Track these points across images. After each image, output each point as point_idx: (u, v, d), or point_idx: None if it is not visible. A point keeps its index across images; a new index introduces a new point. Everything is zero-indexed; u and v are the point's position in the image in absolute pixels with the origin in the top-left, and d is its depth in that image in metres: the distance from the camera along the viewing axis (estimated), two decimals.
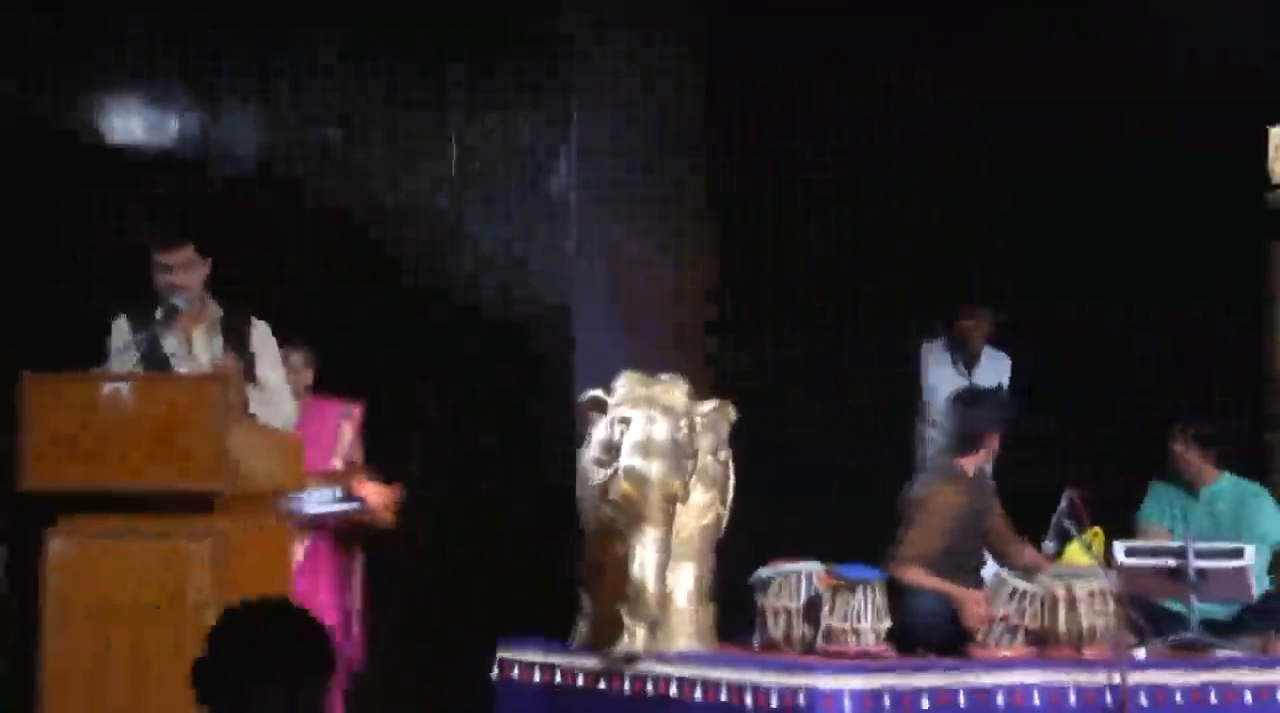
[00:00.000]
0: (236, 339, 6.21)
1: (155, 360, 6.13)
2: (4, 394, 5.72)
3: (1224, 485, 7.43)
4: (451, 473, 7.79)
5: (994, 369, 8.57)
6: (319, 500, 6.63)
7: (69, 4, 7.95)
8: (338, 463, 6.90)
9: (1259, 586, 7.01)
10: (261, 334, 6.28)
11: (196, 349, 6.20)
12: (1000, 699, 6.38)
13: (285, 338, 6.70)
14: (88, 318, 6.36)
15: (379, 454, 7.00)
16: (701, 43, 8.48)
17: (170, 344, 6.16)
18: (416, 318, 8.02)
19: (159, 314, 6.15)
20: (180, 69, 8.17)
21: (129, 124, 8.29)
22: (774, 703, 6.24)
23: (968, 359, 8.59)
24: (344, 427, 6.91)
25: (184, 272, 6.11)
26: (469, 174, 8.31)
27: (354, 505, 6.70)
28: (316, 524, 6.70)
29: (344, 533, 6.84)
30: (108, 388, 5.75)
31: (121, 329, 6.18)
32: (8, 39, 7.87)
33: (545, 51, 8.24)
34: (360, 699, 6.90)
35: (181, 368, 6.15)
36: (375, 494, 6.72)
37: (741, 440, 7.03)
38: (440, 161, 8.27)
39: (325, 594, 6.67)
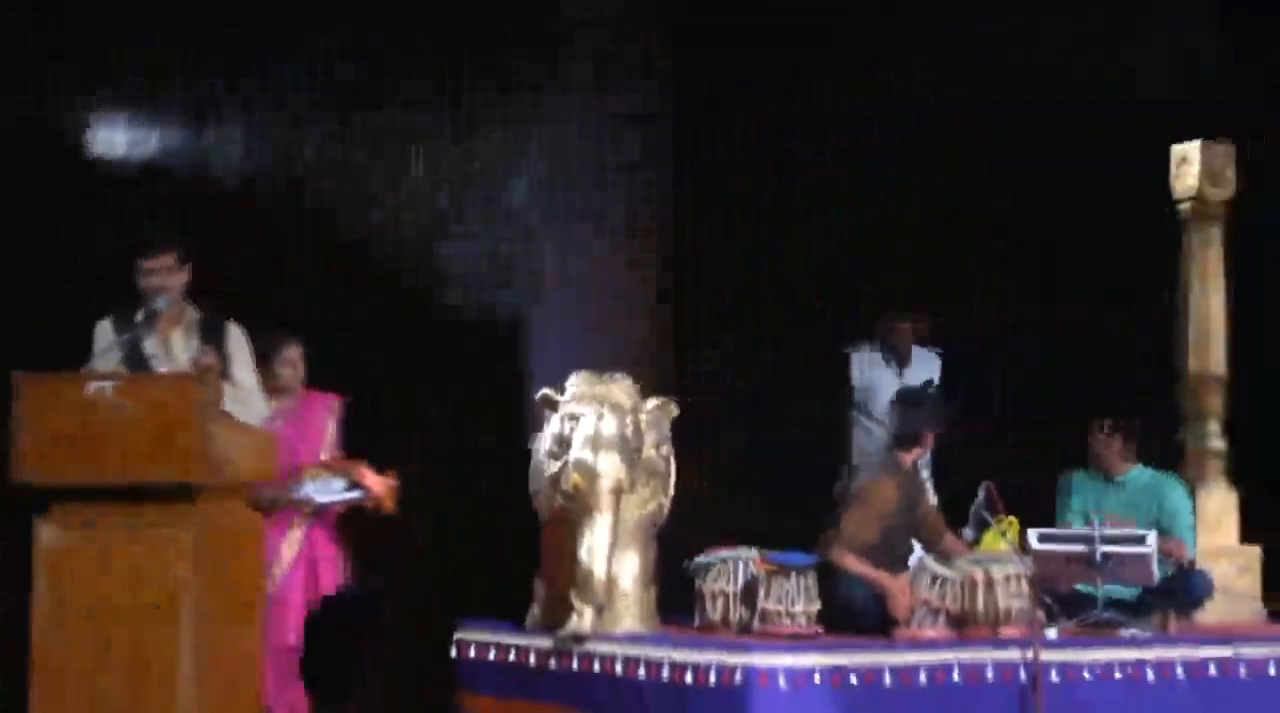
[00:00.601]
0: (213, 342, 6.31)
1: (136, 360, 6.26)
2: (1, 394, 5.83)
3: (1135, 475, 7.60)
4: (452, 473, 7.75)
5: (924, 368, 8.62)
6: (327, 490, 6.70)
7: (70, 8, 7.96)
8: (325, 455, 6.95)
9: (1161, 570, 7.15)
10: (236, 337, 6.40)
11: (175, 350, 6.32)
12: (923, 677, 6.42)
13: (283, 333, 6.79)
14: (87, 318, 6.41)
15: (380, 453, 6.98)
16: (669, 54, 8.51)
17: (151, 345, 6.29)
18: (416, 318, 8.03)
19: (140, 317, 6.28)
20: (181, 72, 8.21)
21: (131, 127, 8.30)
22: (712, 681, 6.29)
23: (899, 359, 8.64)
24: (329, 419, 6.95)
25: (164, 276, 6.24)
26: (469, 175, 8.34)
27: (359, 494, 6.75)
28: (319, 512, 6.77)
29: (337, 521, 6.87)
30: (92, 387, 5.83)
31: (105, 331, 6.32)
32: (10, 41, 7.86)
33: (544, 51, 8.31)
34: (361, 699, 6.92)
35: (161, 368, 6.27)
36: (378, 483, 6.77)
37: (693, 434, 7.13)
38: (414, 168, 8.35)
39: (325, 577, 6.74)
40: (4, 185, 7.71)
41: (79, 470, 5.80)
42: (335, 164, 8.35)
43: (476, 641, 7.09)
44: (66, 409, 5.84)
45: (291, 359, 6.90)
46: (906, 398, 7.50)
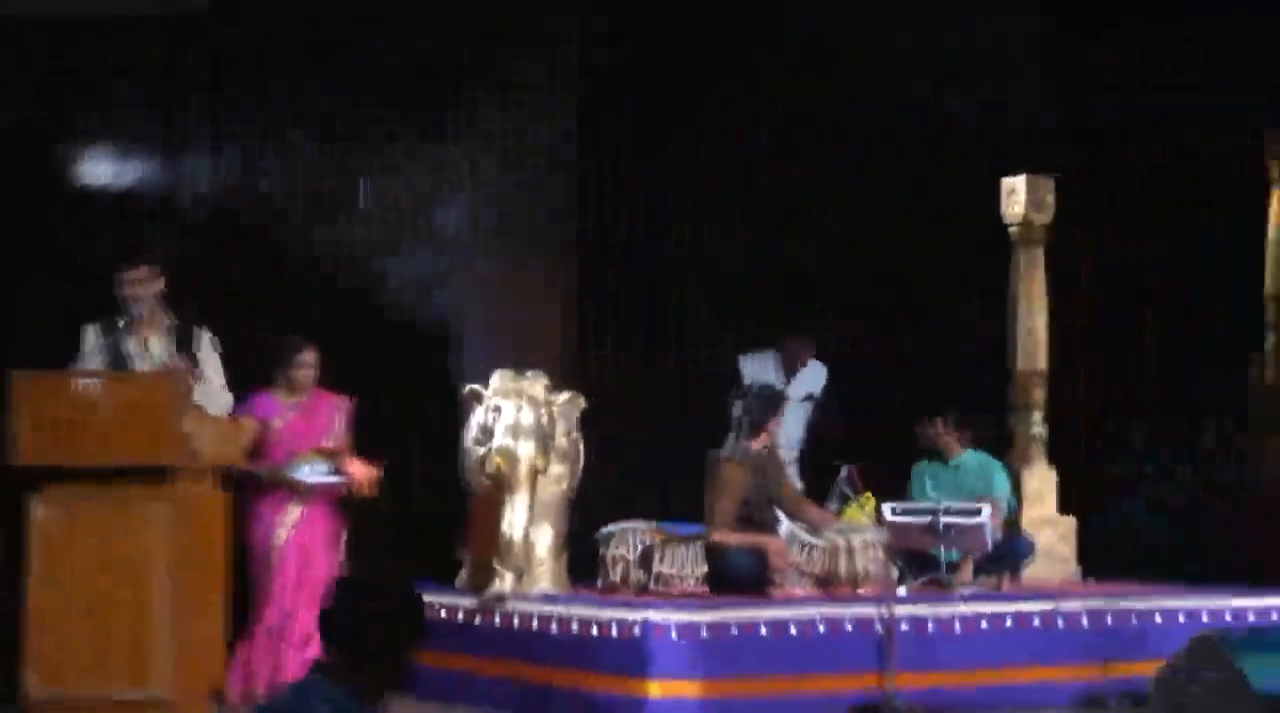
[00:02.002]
0: (186, 344, 6.35)
1: (118, 361, 6.28)
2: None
3: (968, 458, 7.76)
4: (451, 472, 7.48)
5: (811, 378, 8.49)
6: (314, 473, 6.64)
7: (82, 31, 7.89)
8: (329, 444, 6.83)
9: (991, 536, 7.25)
10: (207, 341, 6.43)
11: (153, 351, 6.34)
12: (793, 629, 6.51)
13: (301, 339, 6.75)
14: (86, 317, 6.39)
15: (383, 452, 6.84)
16: (573, 101, 8.46)
17: (131, 347, 6.31)
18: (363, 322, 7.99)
19: (121, 322, 6.31)
20: (181, 107, 8.26)
21: (145, 154, 8.31)
22: (615, 634, 6.37)
23: (789, 370, 8.41)
24: (337, 417, 6.83)
25: (140, 286, 6.28)
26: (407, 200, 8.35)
27: (341, 478, 6.66)
28: (308, 491, 6.70)
29: (334, 503, 6.81)
30: (81, 383, 5.90)
31: (90, 335, 6.33)
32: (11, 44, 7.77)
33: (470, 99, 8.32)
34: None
35: (141, 367, 6.29)
36: (359, 471, 6.68)
37: (593, 423, 7.14)
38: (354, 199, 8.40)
39: (318, 551, 6.68)
40: (5, 188, 7.63)
41: (69, 455, 5.83)
42: (309, 189, 8.35)
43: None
44: (57, 403, 5.86)
45: (308, 362, 6.79)
46: (753, 392, 7.49)
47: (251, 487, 6.70)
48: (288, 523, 6.69)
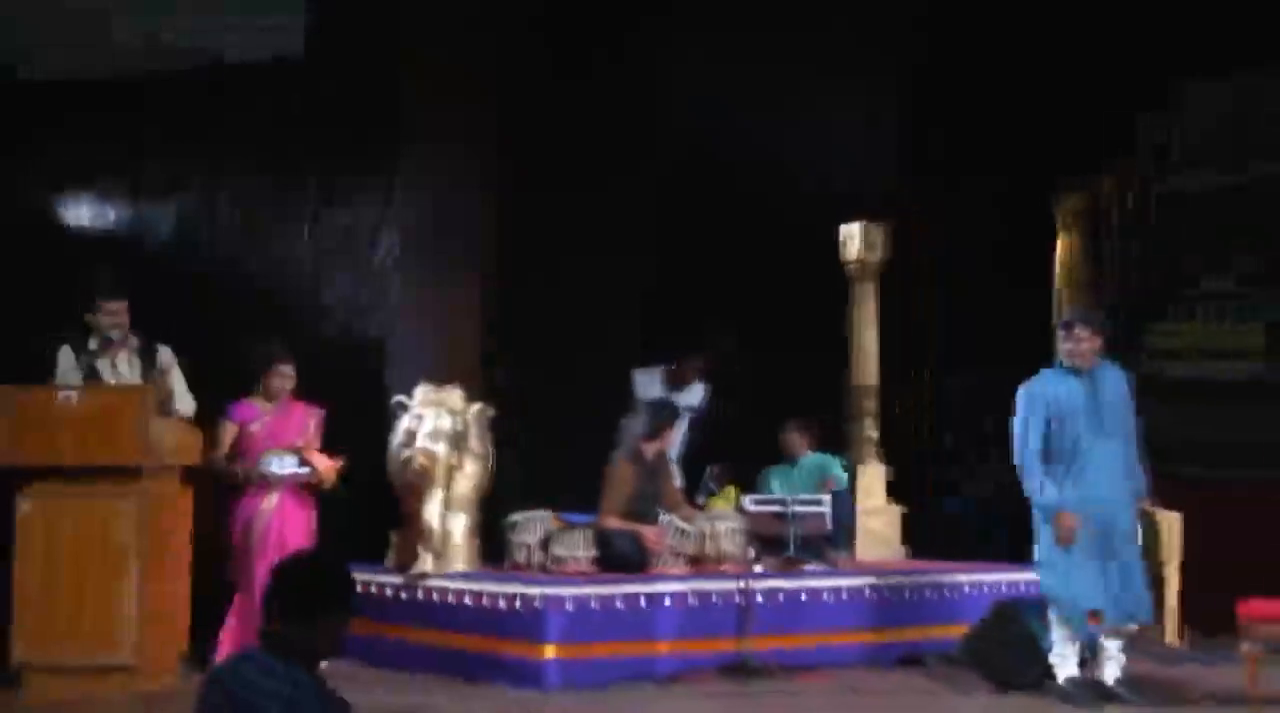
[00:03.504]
0: (149, 360, 6.41)
1: (92, 376, 6.32)
2: None
3: (811, 458, 7.96)
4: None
5: (695, 393, 8.37)
6: (283, 465, 6.57)
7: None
8: (299, 443, 6.75)
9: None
10: (167, 357, 6.48)
11: (121, 368, 6.39)
12: (668, 601, 6.61)
13: (281, 353, 6.70)
14: (44, 339, 6.42)
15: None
16: (493, 154, 8.44)
17: (103, 364, 6.36)
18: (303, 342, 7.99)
19: (92, 344, 6.35)
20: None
21: (117, 196, 8.36)
22: (519, 606, 6.42)
23: (677, 385, 8.18)
24: (310, 423, 6.75)
25: (120, 315, 6.34)
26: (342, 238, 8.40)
27: (307, 470, 6.55)
28: (284, 483, 6.61)
29: (303, 492, 6.74)
30: (61, 395, 5.98)
31: (67, 354, 6.37)
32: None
33: (381, 149, 8.35)
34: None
35: (111, 381, 6.33)
36: (323, 463, 6.57)
37: (504, 425, 7.18)
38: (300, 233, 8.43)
39: (291, 536, 6.56)
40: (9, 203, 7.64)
41: (50, 456, 5.89)
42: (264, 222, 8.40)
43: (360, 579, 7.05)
44: (40, 412, 5.92)
45: (285, 373, 6.71)
46: (651, 404, 7.58)
47: (233, 484, 6.68)
48: (268, 509, 6.67)
